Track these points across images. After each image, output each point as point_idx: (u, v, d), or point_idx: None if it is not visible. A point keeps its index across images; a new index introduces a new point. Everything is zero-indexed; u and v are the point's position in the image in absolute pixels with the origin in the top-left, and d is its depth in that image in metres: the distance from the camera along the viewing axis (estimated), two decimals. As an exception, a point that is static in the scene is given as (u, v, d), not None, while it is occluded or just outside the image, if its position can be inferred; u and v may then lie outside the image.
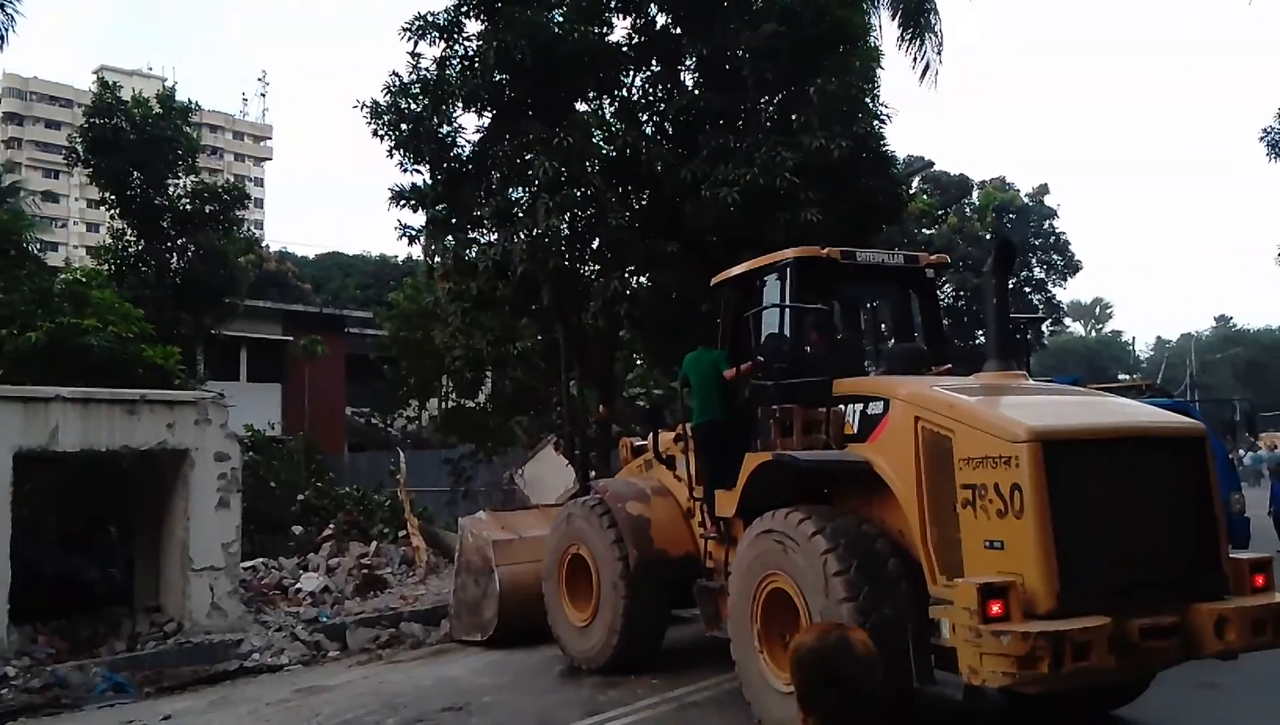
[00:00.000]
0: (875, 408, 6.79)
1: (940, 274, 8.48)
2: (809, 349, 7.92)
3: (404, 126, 14.31)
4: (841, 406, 7.12)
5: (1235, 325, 78.22)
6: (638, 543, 8.56)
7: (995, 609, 5.32)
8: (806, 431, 7.22)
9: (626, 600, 8.60)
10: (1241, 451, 30.27)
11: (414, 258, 34.27)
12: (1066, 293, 49.40)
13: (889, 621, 6.00)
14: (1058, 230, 39.76)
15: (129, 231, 20.66)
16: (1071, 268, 39.65)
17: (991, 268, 7.13)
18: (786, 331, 7.64)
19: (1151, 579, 5.77)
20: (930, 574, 6.09)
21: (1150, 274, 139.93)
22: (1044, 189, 40.51)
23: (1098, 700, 6.89)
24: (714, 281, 8.86)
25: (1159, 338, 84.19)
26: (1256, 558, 6.25)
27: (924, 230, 36.49)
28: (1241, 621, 5.69)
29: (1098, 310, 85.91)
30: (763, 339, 7.87)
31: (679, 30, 14.44)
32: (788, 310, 7.64)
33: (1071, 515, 5.56)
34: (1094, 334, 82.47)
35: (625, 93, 14.94)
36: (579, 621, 9.14)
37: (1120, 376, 46.69)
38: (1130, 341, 76.48)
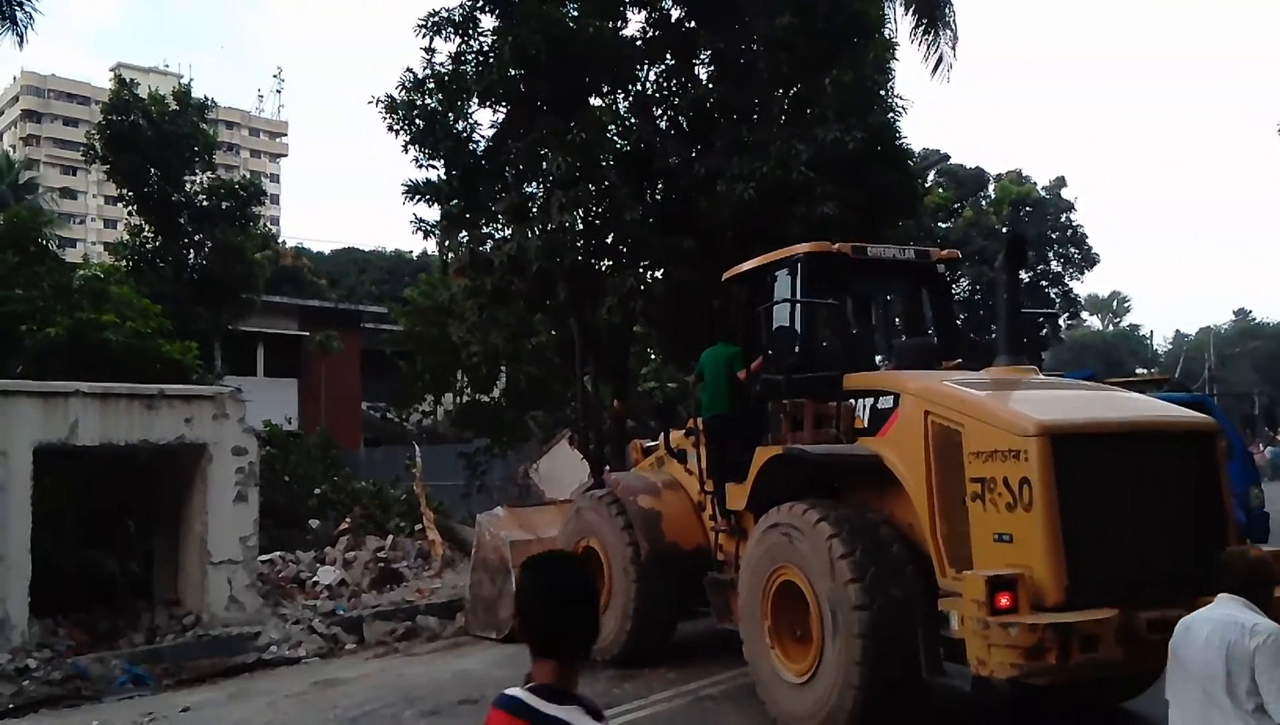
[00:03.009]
0: (885, 402, 6.83)
1: (952, 269, 8.55)
2: (825, 344, 8.00)
3: (419, 122, 14.33)
4: (852, 401, 7.17)
5: (1254, 319, 77.35)
6: (649, 535, 8.64)
7: (1003, 601, 5.37)
8: (817, 425, 7.28)
9: (638, 592, 8.67)
10: (1261, 445, 30.00)
11: (429, 253, 34.34)
12: (1084, 286, 48.97)
13: (897, 602, 6.06)
14: (1075, 223, 39.29)
15: (147, 228, 20.79)
16: (1089, 261, 39.19)
17: (1003, 263, 7.18)
18: (797, 326, 7.68)
19: (1160, 572, 5.79)
20: (940, 567, 6.13)
21: (1168, 267, 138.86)
22: (1061, 182, 40.02)
23: (1106, 692, 6.93)
24: (725, 276, 8.90)
25: (1177, 331, 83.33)
26: (1268, 552, 6.20)
27: (940, 224, 36.22)
28: None
29: (1115, 304, 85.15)
30: (774, 334, 7.89)
31: (693, 23, 14.40)
32: (798, 305, 7.67)
33: (1080, 509, 5.61)
34: (1111, 328, 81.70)
35: (639, 87, 14.91)
36: None
37: (1138, 370, 46.30)
38: (1148, 335, 75.62)
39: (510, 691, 2.28)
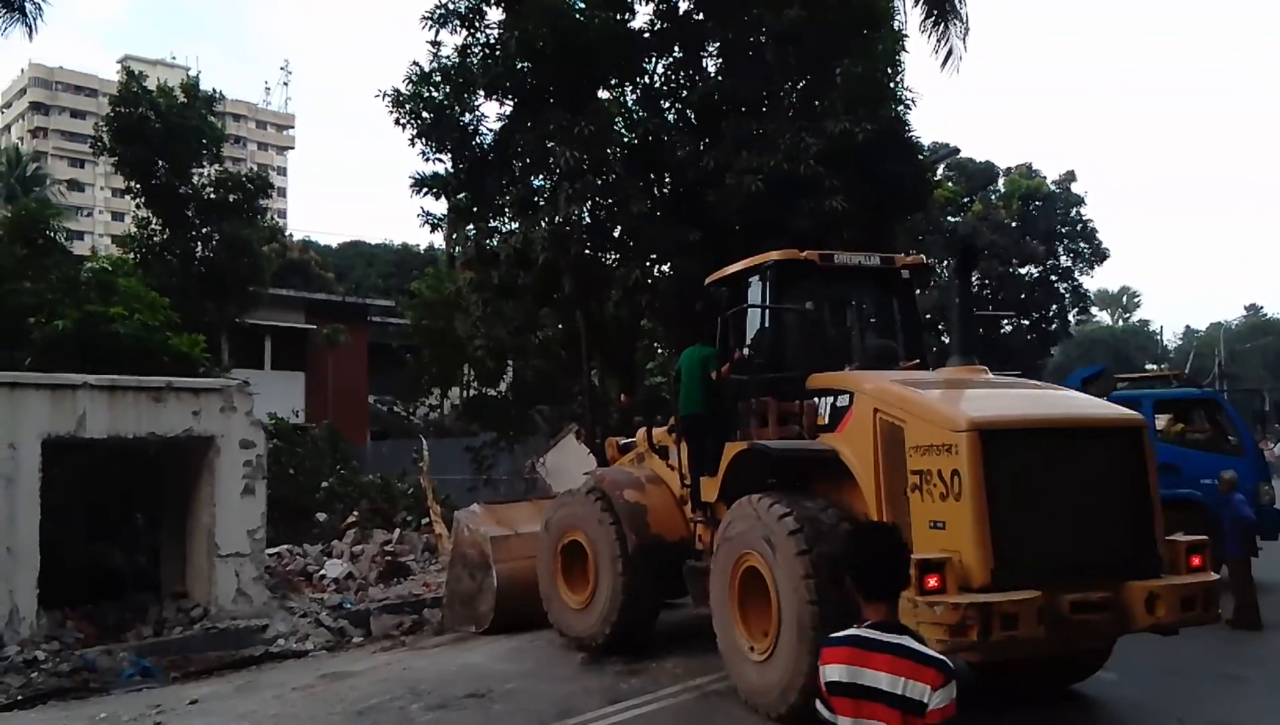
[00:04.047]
0: (843, 400, 7.33)
1: (916, 275, 8.92)
2: (797, 345, 8.36)
3: (426, 115, 14.29)
4: (815, 399, 7.65)
5: (1265, 314, 76.89)
6: (635, 528, 8.99)
7: (932, 582, 5.79)
8: (782, 422, 7.77)
9: (624, 582, 8.96)
10: (1271, 442, 29.80)
11: (436, 246, 34.34)
12: (1094, 281, 48.75)
13: (827, 558, 6.49)
14: (1085, 218, 39.08)
15: (154, 220, 20.81)
16: (1099, 256, 38.95)
17: (955, 270, 7.74)
18: (767, 329, 8.20)
19: (1086, 558, 6.19)
20: None
21: (1179, 262, 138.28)
22: (1071, 176, 39.78)
23: (1056, 674, 7.33)
24: (707, 281, 9.36)
25: (1187, 327, 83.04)
26: (1193, 540, 6.56)
27: (949, 218, 36.09)
28: (1171, 598, 6.09)
29: (1125, 299, 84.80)
30: (746, 336, 8.37)
31: (701, 15, 14.34)
32: (767, 309, 8.17)
33: (1006, 498, 6.01)
34: (1121, 323, 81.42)
35: (647, 80, 14.85)
36: (576, 604, 9.51)
37: (1148, 366, 46.04)
38: (1158, 331, 75.20)
39: (845, 631, 2.97)
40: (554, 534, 9.84)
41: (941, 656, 2.81)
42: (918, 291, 9.07)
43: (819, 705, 3.00)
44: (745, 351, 8.25)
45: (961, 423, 6.11)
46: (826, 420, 7.45)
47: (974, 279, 35.52)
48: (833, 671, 2.92)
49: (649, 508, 9.14)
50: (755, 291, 8.37)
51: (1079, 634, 6.09)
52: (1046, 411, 6.74)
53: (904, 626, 2.93)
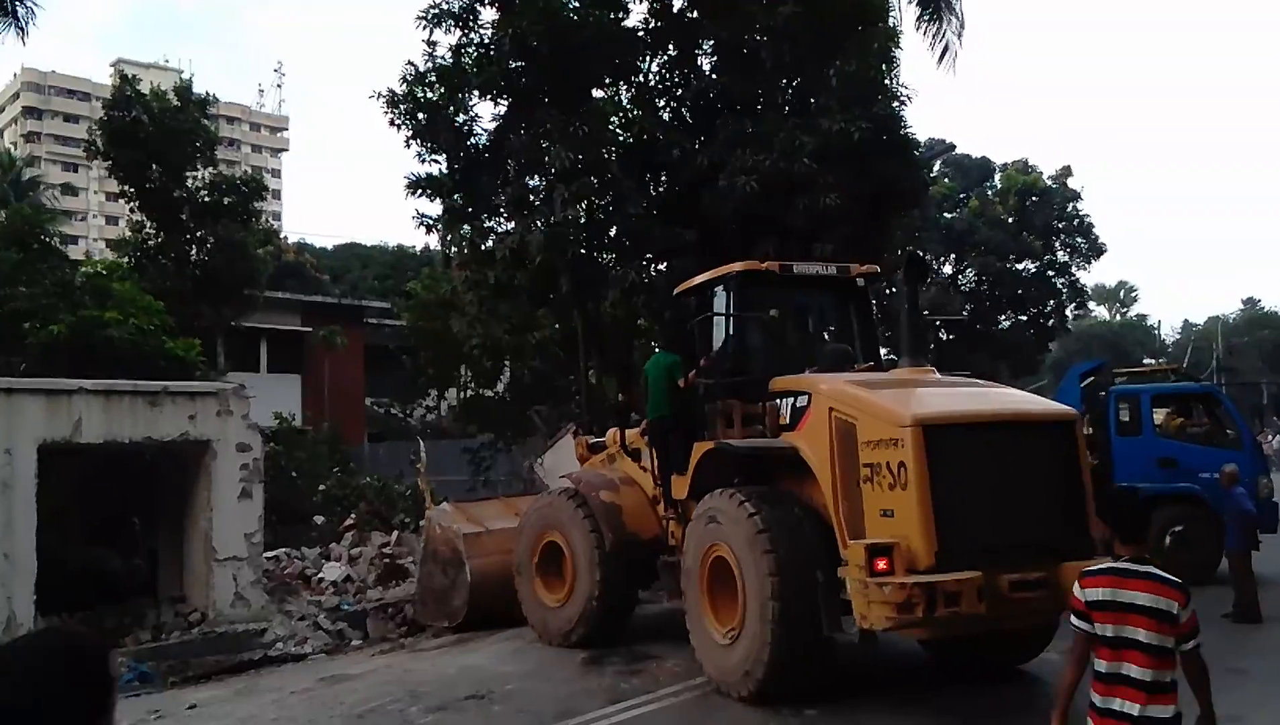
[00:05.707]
0: (802, 401, 7.77)
1: (872, 283, 9.40)
2: (761, 350, 8.90)
3: (420, 116, 14.26)
4: (777, 400, 8.10)
5: (1263, 308, 76.80)
6: (612, 527, 9.38)
7: (881, 565, 6.29)
8: (747, 423, 8.28)
9: (602, 579, 9.36)
10: (1270, 435, 29.82)
11: (432, 247, 34.24)
12: (1091, 276, 48.51)
13: (802, 570, 6.99)
14: (1081, 213, 38.95)
15: (148, 224, 20.75)
16: (1095, 251, 38.78)
17: (903, 278, 8.16)
18: (731, 336, 8.70)
19: (1023, 541, 6.66)
20: (841, 540, 6.98)
21: (1176, 257, 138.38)
22: (1067, 171, 39.61)
23: (1003, 655, 7.79)
24: (675, 291, 9.82)
25: (1185, 321, 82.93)
26: None
27: (945, 214, 36.05)
28: None
29: (1122, 294, 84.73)
30: (713, 343, 8.88)
31: (696, 14, 14.31)
32: (731, 317, 8.64)
33: (948, 487, 6.47)
34: (1119, 318, 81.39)
35: (642, 79, 14.83)
36: (553, 602, 9.86)
37: (1146, 360, 46.08)
38: (1156, 325, 75.21)
39: (1102, 564, 3.91)
40: (533, 534, 10.18)
41: (1181, 581, 3.69)
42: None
43: (1073, 619, 3.83)
44: (712, 357, 8.66)
45: (906, 418, 6.59)
46: (788, 420, 7.88)
47: (973, 274, 35.77)
48: (1095, 593, 3.76)
49: (624, 508, 9.53)
50: (720, 301, 8.80)
51: (1018, 611, 6.53)
52: (986, 407, 7.23)
53: (1151, 560, 3.77)
